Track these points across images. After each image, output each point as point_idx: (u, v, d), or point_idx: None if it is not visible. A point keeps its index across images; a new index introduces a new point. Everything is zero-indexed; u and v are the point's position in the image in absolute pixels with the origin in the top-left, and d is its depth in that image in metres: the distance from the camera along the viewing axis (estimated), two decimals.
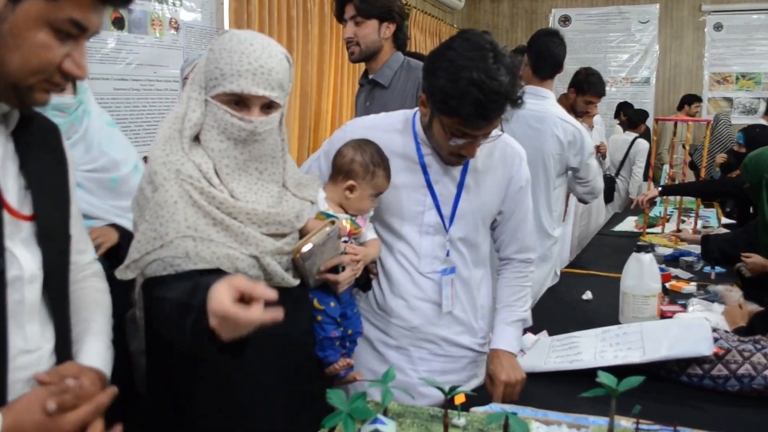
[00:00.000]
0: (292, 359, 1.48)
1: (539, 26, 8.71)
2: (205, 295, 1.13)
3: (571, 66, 8.32)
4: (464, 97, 1.55)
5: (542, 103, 2.98)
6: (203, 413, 1.44)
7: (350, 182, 1.66)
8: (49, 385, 1.05)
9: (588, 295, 2.72)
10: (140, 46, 3.52)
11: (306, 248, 1.43)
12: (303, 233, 1.49)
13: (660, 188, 3.89)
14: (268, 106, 1.41)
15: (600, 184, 3.18)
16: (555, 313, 2.53)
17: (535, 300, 2.78)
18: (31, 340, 1.08)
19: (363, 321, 1.85)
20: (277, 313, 1.11)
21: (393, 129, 1.83)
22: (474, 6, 9.32)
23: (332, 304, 1.58)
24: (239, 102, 1.38)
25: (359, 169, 1.66)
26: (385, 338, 1.89)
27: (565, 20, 8.70)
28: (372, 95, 2.68)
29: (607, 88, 8.37)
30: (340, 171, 1.68)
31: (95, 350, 1.21)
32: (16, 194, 1.08)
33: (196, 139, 1.43)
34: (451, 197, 1.80)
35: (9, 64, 0.99)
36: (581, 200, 3.29)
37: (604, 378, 1.24)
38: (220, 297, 1.09)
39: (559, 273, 3.19)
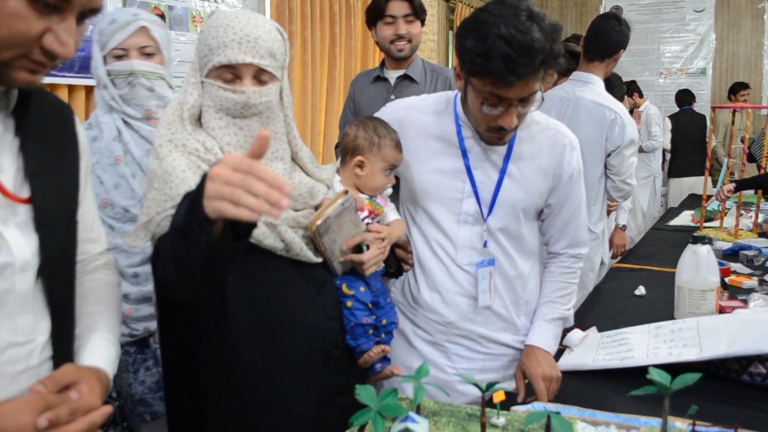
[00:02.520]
0: (317, 347, 1.42)
1: (589, 18, 8.50)
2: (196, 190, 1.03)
3: (624, 58, 8.13)
4: (492, 53, 1.43)
5: (580, 88, 2.90)
6: (223, 404, 1.38)
7: (358, 158, 1.61)
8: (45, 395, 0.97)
9: (641, 291, 2.58)
10: (181, 43, 3.53)
11: (319, 220, 1.37)
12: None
13: (734, 183, 3.71)
14: (261, 77, 1.35)
15: (632, 185, 2.99)
16: (605, 309, 2.41)
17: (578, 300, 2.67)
18: (22, 332, 1.02)
19: (397, 313, 1.78)
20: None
21: (433, 110, 1.76)
22: None
23: (362, 289, 1.50)
24: (231, 76, 1.34)
25: (364, 143, 1.61)
26: (420, 332, 1.81)
27: (616, 11, 8.46)
28: (399, 89, 2.79)
29: (660, 80, 8.24)
30: (346, 150, 1.63)
31: (99, 347, 1.15)
32: (12, 176, 1.02)
33: (199, 123, 1.39)
34: (492, 184, 1.71)
35: None
36: (611, 198, 3.09)
37: (656, 375, 1.14)
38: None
39: (605, 268, 3.07)
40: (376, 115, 1.82)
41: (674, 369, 1.34)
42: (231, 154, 1.08)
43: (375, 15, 2.80)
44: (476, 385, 1.24)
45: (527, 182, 1.72)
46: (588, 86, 2.92)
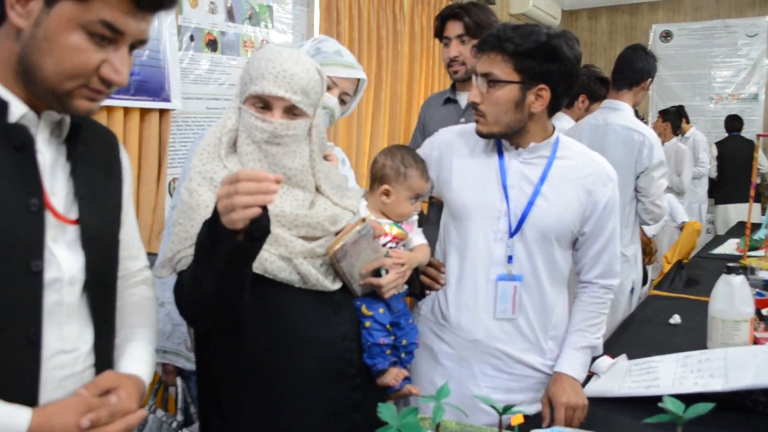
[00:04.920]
0: (331, 364, 1.48)
1: (639, 42, 8.47)
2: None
3: (673, 83, 8.11)
4: None
5: (610, 115, 3.01)
6: (239, 414, 1.46)
7: (384, 187, 1.69)
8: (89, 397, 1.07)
9: (676, 320, 2.58)
10: (233, 67, 3.66)
11: (337, 246, 1.44)
12: None
13: None
14: (292, 111, 1.44)
15: (663, 207, 3.02)
16: (638, 336, 2.42)
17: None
18: (68, 341, 1.12)
19: (425, 329, 1.85)
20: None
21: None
22: (570, 23, 9.15)
23: (381, 310, 1.57)
24: (264, 105, 1.43)
25: (390, 172, 1.69)
26: (446, 349, 1.87)
27: (667, 35, 8.39)
28: (470, 113, 2.60)
29: (711, 105, 8.12)
30: (374, 178, 1.71)
31: (137, 357, 1.25)
32: (63, 199, 1.13)
33: (235, 147, 1.49)
34: (525, 203, 1.78)
35: (44, 69, 1.03)
36: (642, 221, 3.11)
37: (669, 404, 1.17)
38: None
39: (636, 295, 3.06)
40: (428, 141, 1.93)
41: (700, 399, 1.36)
42: (226, 176, 1.20)
43: (438, 37, 2.74)
44: (494, 407, 1.29)
45: (560, 205, 1.78)
46: (617, 112, 3.04)
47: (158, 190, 3.17)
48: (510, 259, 1.79)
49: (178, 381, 1.93)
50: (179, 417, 1.88)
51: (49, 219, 1.09)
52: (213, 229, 1.20)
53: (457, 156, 1.87)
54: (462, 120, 2.64)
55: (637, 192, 2.97)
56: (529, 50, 1.65)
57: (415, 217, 1.76)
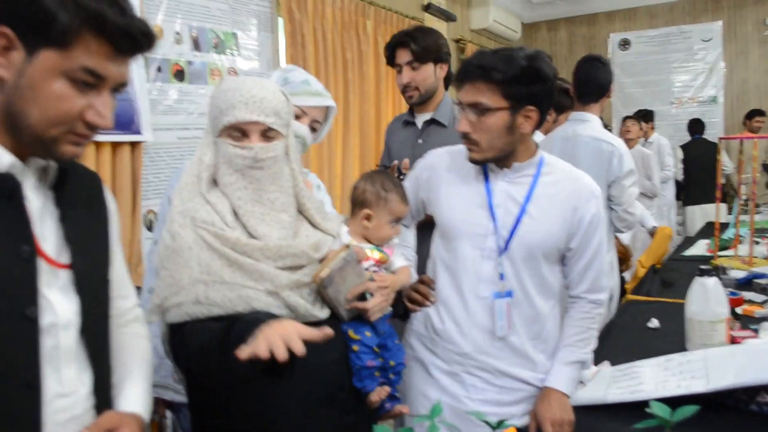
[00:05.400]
0: (323, 390, 1.50)
1: (598, 52, 8.62)
2: (244, 324, 1.26)
3: (634, 89, 8.28)
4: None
5: (579, 126, 3.06)
6: None
7: (365, 211, 1.71)
8: None
9: (654, 323, 2.63)
10: (201, 96, 3.67)
11: (323, 273, 1.46)
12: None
13: None
14: (268, 134, 1.47)
15: (635, 215, 3.10)
16: (618, 343, 2.46)
17: None
18: (67, 384, 1.13)
19: (417, 343, 1.87)
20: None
21: (466, 154, 1.87)
22: (531, 36, 9.32)
23: (368, 333, 1.58)
24: (239, 133, 1.46)
25: (371, 197, 1.72)
26: (437, 362, 1.90)
27: (625, 44, 8.57)
28: (427, 133, 2.74)
29: (672, 109, 8.30)
30: (355, 203, 1.74)
31: (136, 395, 1.26)
32: (54, 244, 1.13)
33: (215, 182, 1.51)
34: (512, 221, 1.81)
35: (29, 117, 1.04)
36: (616, 230, 3.17)
37: (656, 408, 1.20)
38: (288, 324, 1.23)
39: (615, 303, 3.11)
40: (419, 163, 1.98)
41: (684, 401, 1.39)
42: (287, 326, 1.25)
43: (390, 64, 2.80)
44: (486, 422, 1.31)
45: (545, 223, 1.82)
46: (585, 124, 3.10)
47: (134, 222, 3.16)
48: (501, 276, 1.82)
49: (168, 414, 1.92)
50: None
51: (42, 265, 1.09)
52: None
53: (445, 177, 1.92)
54: (419, 141, 2.73)
55: (610, 201, 3.02)
56: (515, 76, 1.67)
57: (396, 241, 1.78)
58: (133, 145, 3.18)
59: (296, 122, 1.83)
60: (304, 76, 1.94)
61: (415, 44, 2.64)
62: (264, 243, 1.43)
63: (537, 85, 1.71)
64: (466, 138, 1.77)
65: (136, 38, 1.07)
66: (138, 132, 3.19)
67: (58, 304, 1.11)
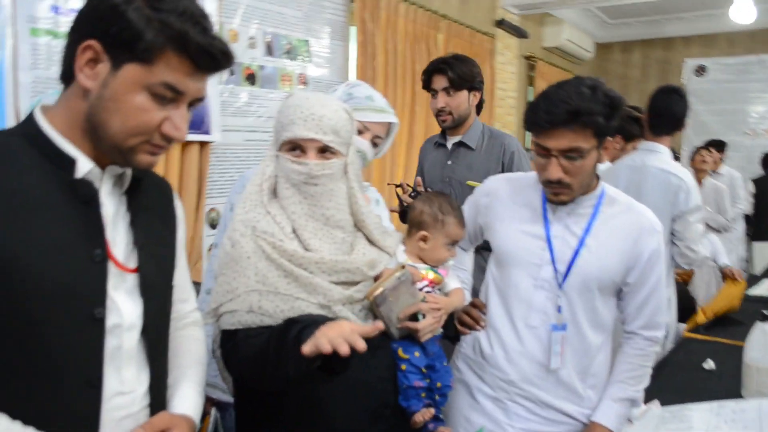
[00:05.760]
0: (367, 405, 1.51)
1: (673, 77, 8.45)
2: (301, 326, 1.31)
3: (708, 117, 8.07)
4: (535, 106, 1.67)
5: (648, 157, 2.99)
6: None
7: (422, 233, 1.73)
8: None
9: (710, 365, 2.55)
10: (270, 100, 3.75)
11: (377, 291, 1.48)
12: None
13: None
14: (326, 151, 1.49)
15: (698, 252, 2.98)
16: (670, 381, 2.40)
17: None
18: (127, 383, 1.17)
19: (464, 365, 1.87)
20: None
21: (525, 183, 1.91)
22: (604, 56, 9.17)
23: (417, 353, 1.60)
24: (298, 149, 1.49)
25: (428, 219, 1.73)
26: (482, 386, 1.89)
27: (701, 70, 8.37)
28: (456, 155, 2.94)
29: (746, 140, 8.04)
30: (412, 224, 1.75)
31: (188, 397, 1.29)
32: (123, 248, 1.19)
33: (276, 193, 1.54)
34: (570, 254, 1.79)
35: (111, 127, 1.09)
36: (677, 265, 3.08)
37: None
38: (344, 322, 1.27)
39: (670, 339, 3.03)
40: (477, 189, 1.99)
41: None
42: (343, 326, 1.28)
43: (425, 87, 2.97)
44: None
45: (604, 256, 1.79)
46: (655, 155, 3.02)
47: (197, 220, 3.25)
48: (559, 309, 1.80)
49: (213, 411, 1.96)
50: None
51: (111, 268, 1.15)
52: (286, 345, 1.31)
53: (502, 203, 1.91)
54: (449, 162, 2.93)
55: (672, 236, 2.95)
56: (604, 114, 1.64)
57: (451, 262, 1.79)
58: (202, 144, 3.27)
59: (358, 137, 1.86)
60: (369, 92, 1.97)
61: (451, 72, 2.80)
62: (320, 256, 1.46)
63: (616, 116, 1.68)
64: (558, 184, 1.71)
65: (215, 57, 1.12)
66: (207, 132, 3.28)
67: (124, 306, 1.17)
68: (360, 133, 1.90)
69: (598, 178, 1.85)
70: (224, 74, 3.49)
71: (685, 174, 2.96)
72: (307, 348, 1.22)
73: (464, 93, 2.86)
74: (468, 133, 2.92)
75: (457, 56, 2.94)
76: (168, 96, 1.10)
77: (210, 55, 1.11)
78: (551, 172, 1.69)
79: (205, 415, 2.04)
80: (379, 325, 1.28)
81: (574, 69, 8.25)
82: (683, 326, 3.30)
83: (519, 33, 6.70)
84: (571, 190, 1.74)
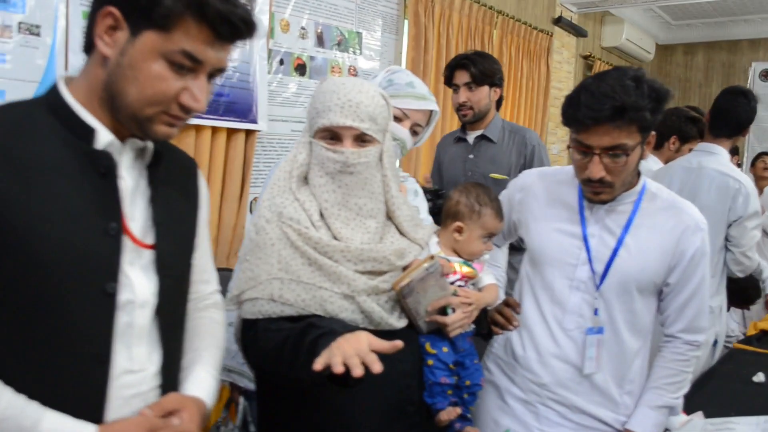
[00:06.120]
0: (390, 401, 1.47)
1: (737, 81, 8.16)
2: (318, 333, 1.25)
3: None
4: (574, 100, 1.57)
5: (706, 159, 2.87)
6: None
7: (457, 224, 1.66)
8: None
9: (760, 378, 2.45)
10: None
11: (404, 282, 1.43)
12: None
13: None
14: (362, 139, 1.46)
15: (753, 259, 2.87)
16: (717, 393, 2.31)
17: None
18: (137, 362, 1.15)
19: (494, 366, 1.82)
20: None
21: (560, 179, 1.83)
22: (665, 58, 8.92)
23: (445, 349, 1.54)
24: (333, 137, 1.45)
25: (464, 210, 1.66)
26: (513, 389, 1.83)
27: (767, 74, 8.05)
28: (478, 149, 3.03)
29: None
30: (447, 214, 1.69)
31: (201, 380, 1.26)
32: (141, 224, 1.17)
33: (306, 180, 1.51)
34: (608, 254, 1.72)
35: (127, 95, 1.08)
36: (730, 273, 2.94)
37: None
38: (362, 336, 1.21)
39: (719, 348, 2.92)
40: (514, 182, 1.93)
41: None
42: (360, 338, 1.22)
43: (446, 83, 3.06)
44: None
45: (644, 256, 1.71)
46: (713, 156, 2.89)
47: (240, 208, 3.26)
48: (596, 312, 1.73)
49: (241, 400, 1.96)
50: None
51: (127, 243, 1.13)
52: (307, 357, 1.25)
53: (537, 200, 1.84)
54: (470, 156, 3.02)
55: (728, 241, 2.83)
56: (649, 108, 1.55)
57: (487, 257, 1.73)
58: (248, 133, 3.28)
59: (396, 125, 1.81)
60: (410, 78, 1.92)
61: (474, 67, 2.92)
62: (345, 245, 1.42)
63: (661, 109, 1.59)
64: (599, 183, 1.63)
65: (236, 25, 1.09)
66: (254, 121, 3.28)
67: (138, 282, 1.15)
68: (399, 120, 1.86)
69: (639, 174, 1.76)
70: (274, 64, 3.50)
71: (744, 178, 2.84)
72: (319, 364, 1.18)
73: (485, 89, 2.95)
74: (489, 127, 3.01)
75: (479, 53, 3.08)
76: (186, 65, 1.08)
77: (230, 23, 1.08)
78: (593, 170, 1.61)
79: (232, 402, 2.04)
80: (398, 344, 1.23)
81: None
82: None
83: (577, 31, 6.56)
84: (613, 189, 1.66)
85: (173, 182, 1.26)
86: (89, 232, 1.08)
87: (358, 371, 1.14)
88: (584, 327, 1.73)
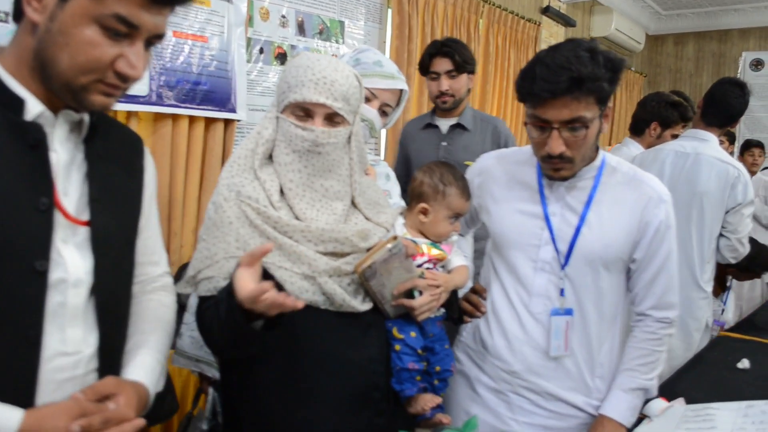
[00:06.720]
0: (356, 388, 1.42)
1: (727, 71, 8.13)
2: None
3: (763, 114, 7.75)
4: (530, 75, 1.51)
5: (700, 145, 2.85)
6: None
7: (422, 205, 1.61)
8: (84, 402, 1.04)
9: (744, 364, 2.40)
10: None
11: (365, 264, 1.38)
12: None
13: None
14: (333, 119, 1.40)
15: (746, 246, 2.87)
16: (700, 379, 2.27)
17: (677, 359, 2.54)
18: (71, 344, 1.10)
19: (463, 356, 1.77)
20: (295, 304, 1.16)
21: (518, 159, 1.78)
22: (655, 48, 8.88)
23: (413, 334, 1.49)
24: (304, 114, 1.40)
25: (429, 190, 1.61)
26: (483, 378, 1.78)
27: (758, 64, 8.01)
28: (452, 137, 3.03)
29: None
30: (412, 195, 1.63)
31: (144, 364, 1.21)
32: (76, 200, 1.11)
33: (271, 157, 1.45)
34: (570, 232, 1.67)
35: (59, 63, 1.02)
36: (723, 259, 2.92)
37: None
38: (243, 284, 1.15)
39: (708, 337, 2.89)
40: (472, 167, 1.86)
41: None
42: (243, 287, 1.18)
43: (422, 70, 3.04)
44: None
45: (607, 232, 1.66)
46: (706, 143, 2.88)
47: None
48: (562, 292, 1.68)
49: (210, 390, 1.91)
50: (204, 426, 1.86)
51: (59, 219, 1.08)
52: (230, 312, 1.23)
53: (496, 182, 1.79)
54: (444, 143, 3.00)
55: (724, 228, 2.82)
56: (606, 78, 1.51)
57: (455, 238, 1.68)
58: (227, 122, 3.22)
59: (364, 105, 1.77)
60: (377, 57, 1.87)
61: (458, 55, 2.92)
62: (306, 225, 1.38)
63: (617, 80, 1.55)
64: (559, 158, 1.58)
65: None
66: (233, 110, 3.22)
67: (71, 260, 1.09)
68: (367, 100, 1.80)
69: (597, 149, 1.71)
70: (254, 52, 3.45)
71: (740, 166, 2.85)
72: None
73: (464, 76, 2.97)
74: (463, 116, 3.02)
75: (454, 39, 3.08)
76: (121, 30, 1.03)
77: None
78: (552, 146, 1.56)
79: (201, 393, 1.99)
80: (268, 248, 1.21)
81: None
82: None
83: (566, 21, 6.51)
84: (573, 165, 1.61)
85: (114, 158, 1.20)
86: (18, 207, 1.02)
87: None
88: (551, 309, 1.69)
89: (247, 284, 1.15)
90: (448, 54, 2.93)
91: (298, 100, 1.39)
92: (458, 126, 3.01)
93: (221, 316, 1.25)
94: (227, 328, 1.25)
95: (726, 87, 2.92)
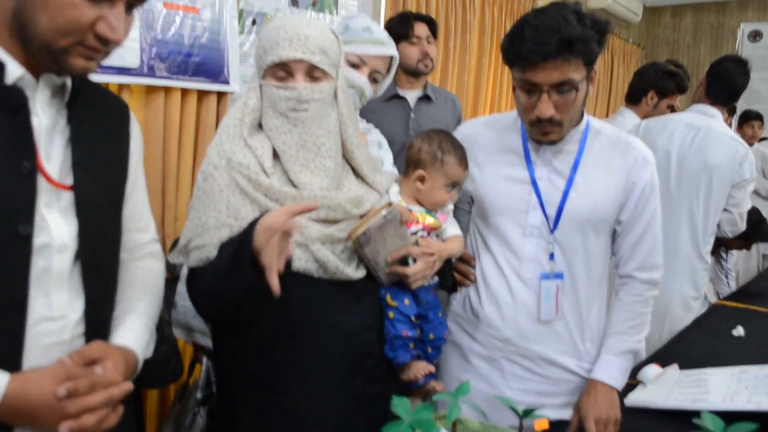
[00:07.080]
0: (349, 355, 1.41)
1: (725, 43, 8.08)
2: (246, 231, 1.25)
3: (761, 85, 7.71)
4: (518, 36, 1.49)
5: (710, 120, 2.86)
6: (250, 406, 1.41)
7: (419, 172, 1.59)
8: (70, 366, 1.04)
9: (739, 331, 2.42)
10: None
11: (360, 230, 1.36)
12: None
13: None
14: (313, 73, 1.38)
15: (744, 223, 2.91)
16: (695, 346, 2.28)
17: (675, 328, 2.55)
18: (56, 309, 1.09)
19: (454, 325, 1.77)
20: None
21: (502, 126, 1.77)
22: (653, 20, 8.81)
23: (407, 301, 1.48)
24: (284, 73, 1.37)
25: (426, 157, 1.59)
26: (475, 347, 1.77)
27: (756, 36, 7.96)
28: (418, 108, 2.93)
29: None
30: (409, 162, 1.61)
31: (133, 330, 1.20)
32: (60, 164, 1.10)
33: (261, 127, 1.43)
34: (558, 196, 1.66)
35: (38, 24, 1.00)
36: (722, 233, 2.95)
37: (707, 420, 1.06)
38: (277, 213, 1.21)
39: (705, 305, 2.90)
40: (455, 134, 1.83)
41: (753, 418, 1.23)
42: (268, 217, 1.21)
43: (399, 35, 2.88)
44: (513, 409, 1.20)
45: (595, 194, 1.67)
46: (714, 119, 2.90)
47: None
48: (552, 256, 1.68)
49: (204, 359, 1.91)
50: (198, 395, 1.87)
51: (42, 183, 1.06)
52: (236, 259, 1.25)
53: (481, 149, 1.77)
54: (412, 116, 2.88)
55: (727, 202, 2.84)
56: (594, 39, 1.50)
57: (451, 207, 1.67)
58: (220, 95, 3.19)
59: (354, 72, 1.74)
60: (366, 23, 1.85)
61: (432, 23, 2.97)
62: (297, 192, 1.36)
63: (604, 42, 1.54)
64: (549, 122, 1.57)
65: None
66: (226, 82, 3.18)
67: (56, 225, 1.08)
68: (357, 67, 1.78)
69: (583, 112, 1.71)
70: (246, 24, 3.40)
71: (747, 145, 2.88)
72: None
73: (435, 44, 2.99)
74: (428, 87, 2.99)
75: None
76: None
77: None
78: (542, 109, 1.54)
79: (196, 362, 1.99)
80: (313, 205, 1.25)
81: (620, 33, 7.92)
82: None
83: None
84: (562, 128, 1.61)
85: (98, 123, 1.19)
86: (0, 172, 1.01)
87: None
88: (541, 273, 1.69)
89: (280, 215, 1.19)
90: (425, 20, 2.98)
91: (275, 61, 1.37)
92: (425, 97, 2.97)
93: (223, 258, 1.27)
94: (228, 266, 1.27)
95: (730, 65, 2.93)
